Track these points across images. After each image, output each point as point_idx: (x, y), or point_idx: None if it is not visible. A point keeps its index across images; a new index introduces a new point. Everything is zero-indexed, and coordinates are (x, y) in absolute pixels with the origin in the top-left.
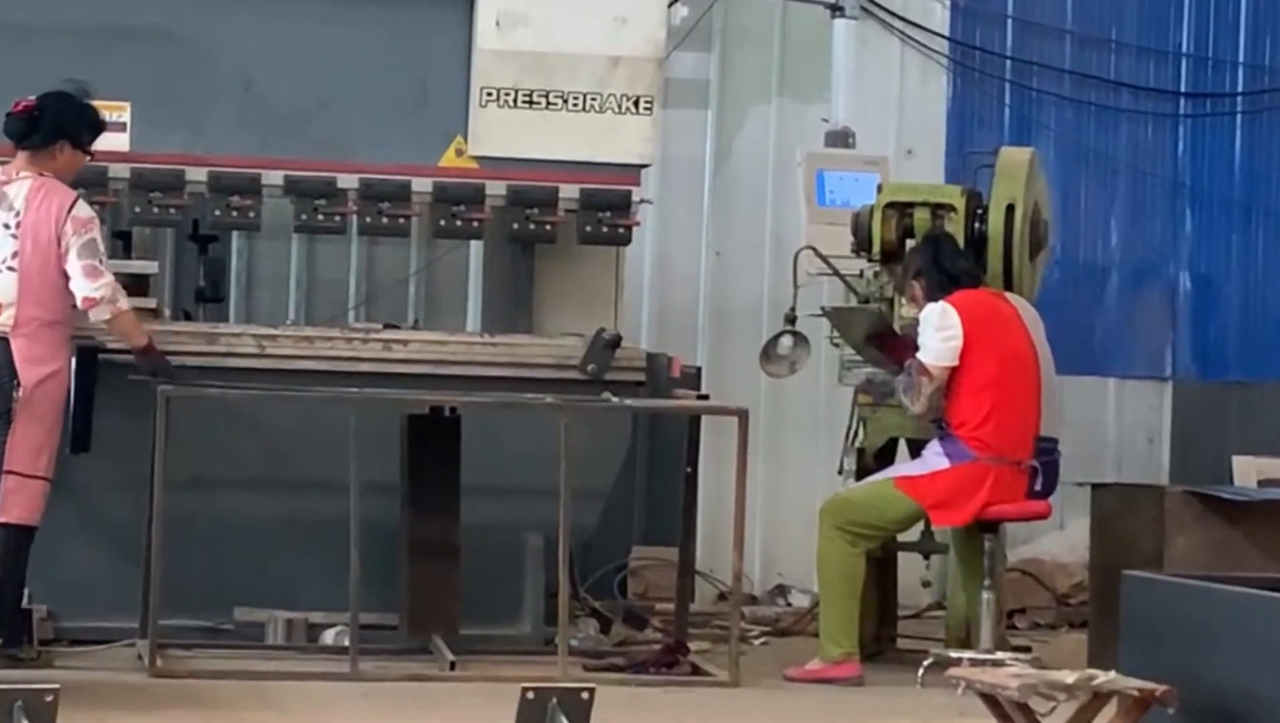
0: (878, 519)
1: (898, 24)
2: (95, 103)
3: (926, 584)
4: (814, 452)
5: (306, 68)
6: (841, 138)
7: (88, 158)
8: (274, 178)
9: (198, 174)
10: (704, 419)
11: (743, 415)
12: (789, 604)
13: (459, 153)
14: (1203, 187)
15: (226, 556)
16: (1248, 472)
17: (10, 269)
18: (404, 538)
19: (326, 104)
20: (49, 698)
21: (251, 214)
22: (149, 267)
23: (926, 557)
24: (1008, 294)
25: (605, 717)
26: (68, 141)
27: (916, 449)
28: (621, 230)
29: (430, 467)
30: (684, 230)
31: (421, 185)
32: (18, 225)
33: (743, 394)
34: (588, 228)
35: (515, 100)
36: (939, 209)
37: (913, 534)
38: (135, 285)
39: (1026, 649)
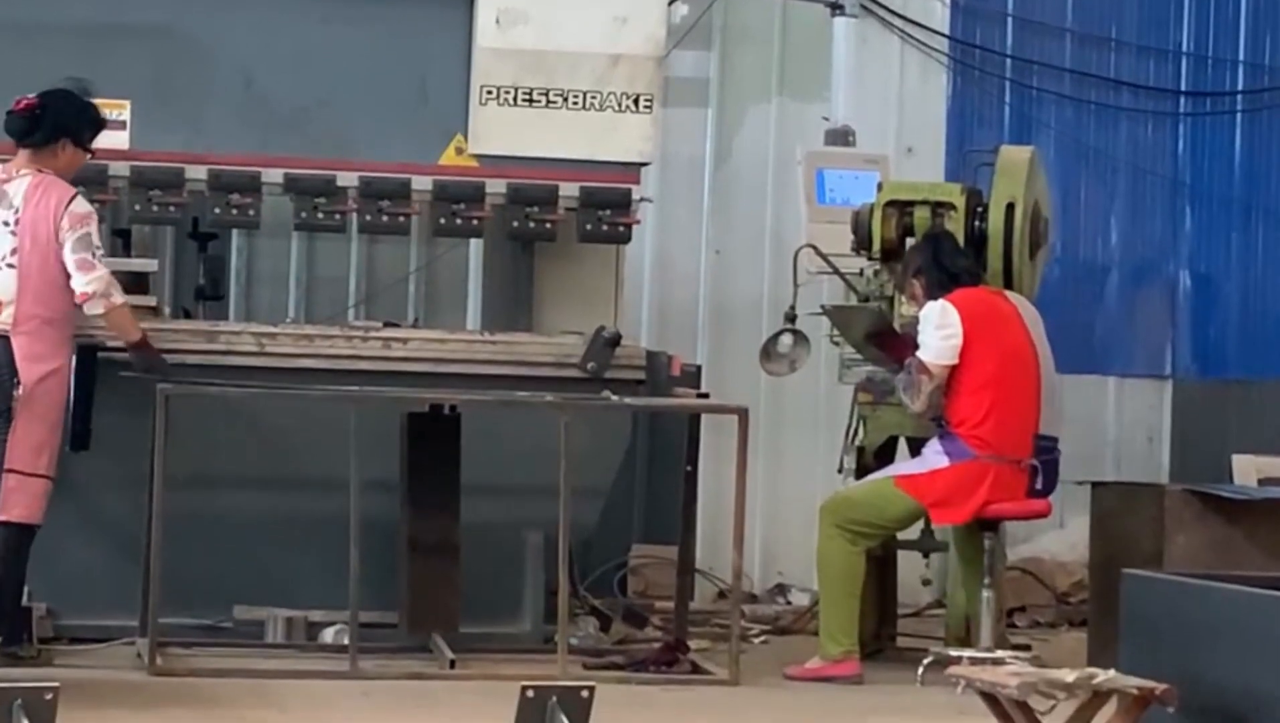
0: (878, 518)
1: (898, 22)
2: (95, 101)
3: (926, 583)
4: (814, 450)
5: (306, 66)
6: (841, 136)
7: (89, 156)
8: (274, 176)
9: (198, 172)
10: (704, 417)
11: (743, 414)
12: (789, 603)
13: (459, 151)
14: (1203, 185)
15: (226, 554)
16: (1247, 470)
17: (10, 266)
18: (404, 536)
19: (326, 102)
20: (48, 696)
21: (251, 212)
22: (149, 265)
23: (926, 555)
24: (1008, 292)
25: (605, 715)
26: (69, 139)
27: (916, 448)
28: (621, 229)
29: (430, 465)
30: (684, 229)
31: (421, 183)
32: (16, 222)
33: (743, 393)
34: (588, 226)
35: (515, 99)
36: (939, 207)
37: (913, 533)
38: (135, 283)
39: (1026, 648)
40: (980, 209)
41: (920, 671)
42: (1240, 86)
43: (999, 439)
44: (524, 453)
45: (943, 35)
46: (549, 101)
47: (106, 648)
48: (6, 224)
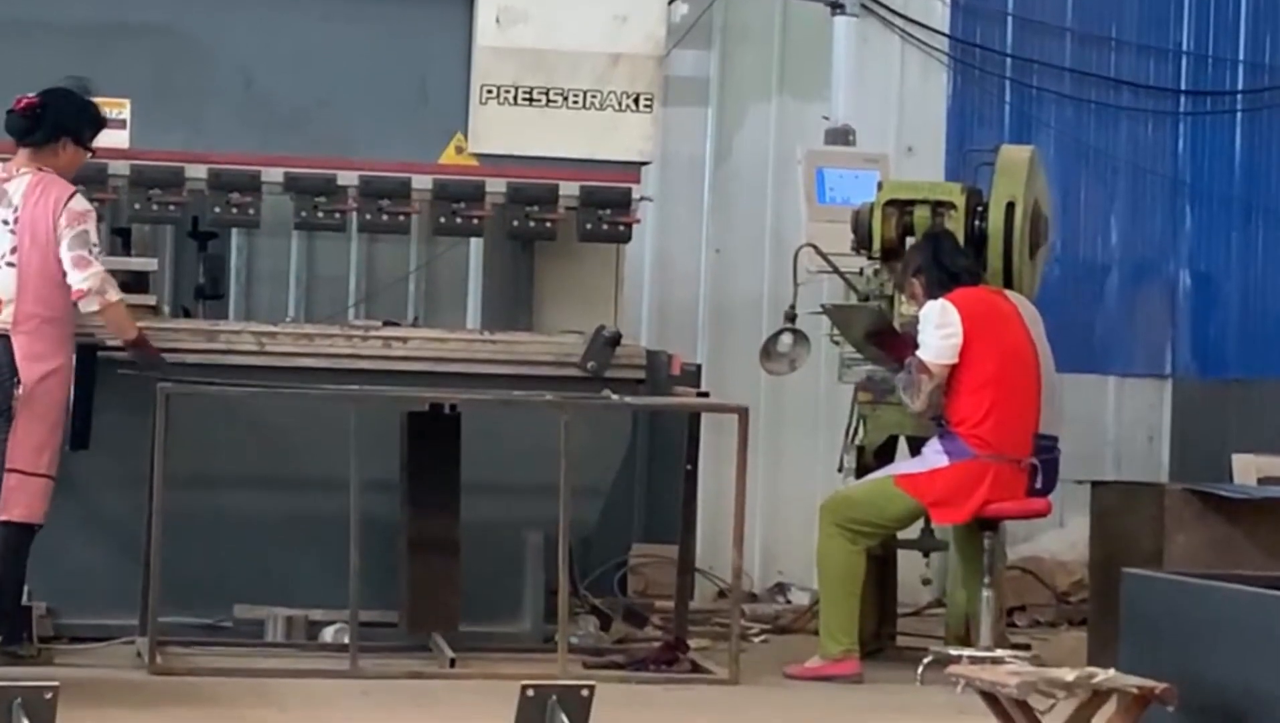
0: (878, 517)
1: (898, 21)
2: (96, 99)
3: (926, 582)
4: (814, 449)
5: (307, 65)
6: (842, 135)
7: (89, 155)
8: (274, 175)
9: (197, 171)
10: (704, 417)
11: (743, 413)
12: (789, 602)
13: (459, 150)
14: (1203, 184)
15: (226, 553)
16: (1247, 470)
17: (9, 265)
18: (404, 535)
19: (327, 101)
20: (48, 695)
21: (251, 211)
22: (148, 264)
23: (926, 554)
24: (1007, 292)
25: (605, 714)
26: (70, 138)
27: (916, 447)
28: (621, 228)
29: (430, 464)
30: (684, 228)
31: (421, 182)
32: (16, 221)
33: (743, 392)
34: (588, 225)
35: (515, 98)
36: (939, 207)
37: (913, 532)
38: (135, 282)
39: (1026, 647)
40: (980, 208)
41: (920, 670)
42: (1240, 86)
43: (999, 438)
44: (524, 452)
45: (943, 34)
46: (549, 101)
47: (106, 647)
48: (6, 222)
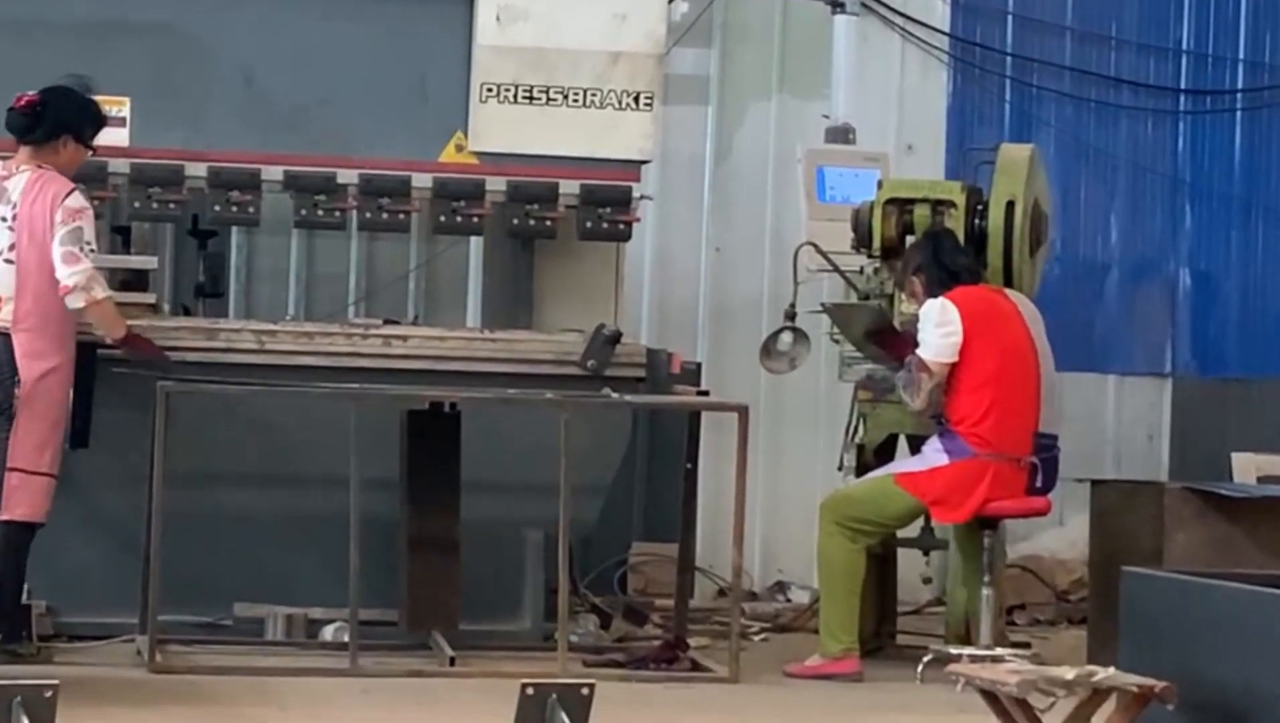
0: (878, 515)
1: (898, 20)
2: (96, 97)
3: (927, 581)
4: (814, 448)
5: (307, 63)
6: (842, 134)
7: (90, 153)
8: (274, 173)
9: (197, 169)
10: (704, 415)
11: (743, 411)
12: (789, 600)
13: (459, 148)
14: (1202, 183)
15: (226, 551)
16: (1247, 468)
17: (8, 262)
18: (404, 534)
19: (327, 100)
20: (48, 694)
21: (251, 209)
22: (148, 262)
23: (926, 553)
24: (1007, 290)
25: (605, 713)
26: (70, 137)
27: (916, 445)
28: (622, 226)
29: (430, 462)
30: (684, 226)
31: (421, 181)
32: (14, 218)
33: (743, 390)
34: (588, 224)
35: (515, 96)
36: (939, 205)
37: (913, 530)
38: (135, 281)
39: (1026, 646)
40: (980, 207)
41: (920, 668)
42: (1240, 85)
43: (999, 437)
44: (524, 451)
45: (943, 33)
46: (549, 99)
47: (106, 646)
48: (4, 220)
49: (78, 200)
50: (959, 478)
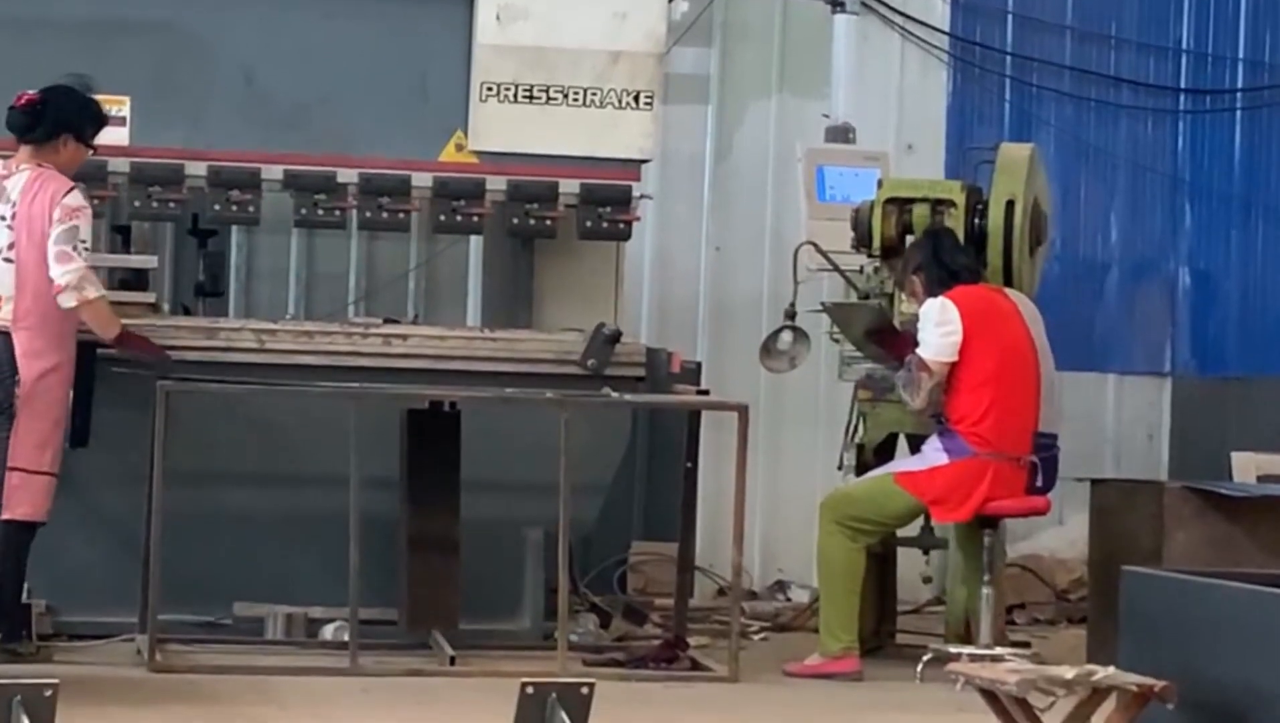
0: (878, 514)
1: (898, 19)
2: (96, 96)
3: (927, 580)
4: (814, 447)
5: (307, 62)
6: (842, 133)
7: (90, 152)
8: (274, 172)
9: (197, 168)
10: (704, 414)
11: (742, 411)
12: (788, 599)
13: (459, 148)
14: (1202, 182)
15: (226, 550)
16: (1247, 467)
17: (8, 261)
18: (403, 533)
19: (327, 99)
20: (48, 693)
21: (251, 209)
22: (148, 261)
23: (926, 552)
24: (1007, 290)
25: (605, 712)
26: (71, 136)
27: (916, 445)
28: (621, 225)
29: (430, 462)
30: (684, 225)
31: (421, 180)
32: (13, 217)
33: (743, 389)
34: (588, 223)
35: (515, 95)
36: (939, 205)
37: (913, 530)
38: (135, 280)
39: (1026, 645)
40: (980, 206)
41: (920, 667)
42: (1240, 84)
43: (998, 436)
44: (524, 450)
45: (943, 32)
46: (549, 98)
47: (106, 645)
48: (3, 218)
49: (76, 199)
50: (959, 477)
